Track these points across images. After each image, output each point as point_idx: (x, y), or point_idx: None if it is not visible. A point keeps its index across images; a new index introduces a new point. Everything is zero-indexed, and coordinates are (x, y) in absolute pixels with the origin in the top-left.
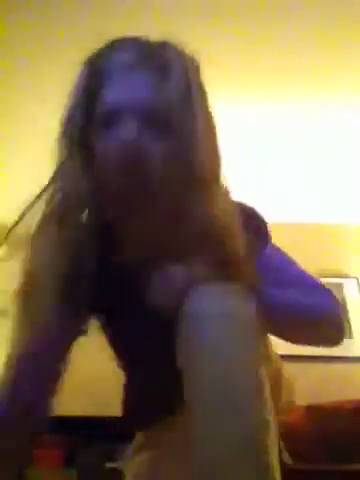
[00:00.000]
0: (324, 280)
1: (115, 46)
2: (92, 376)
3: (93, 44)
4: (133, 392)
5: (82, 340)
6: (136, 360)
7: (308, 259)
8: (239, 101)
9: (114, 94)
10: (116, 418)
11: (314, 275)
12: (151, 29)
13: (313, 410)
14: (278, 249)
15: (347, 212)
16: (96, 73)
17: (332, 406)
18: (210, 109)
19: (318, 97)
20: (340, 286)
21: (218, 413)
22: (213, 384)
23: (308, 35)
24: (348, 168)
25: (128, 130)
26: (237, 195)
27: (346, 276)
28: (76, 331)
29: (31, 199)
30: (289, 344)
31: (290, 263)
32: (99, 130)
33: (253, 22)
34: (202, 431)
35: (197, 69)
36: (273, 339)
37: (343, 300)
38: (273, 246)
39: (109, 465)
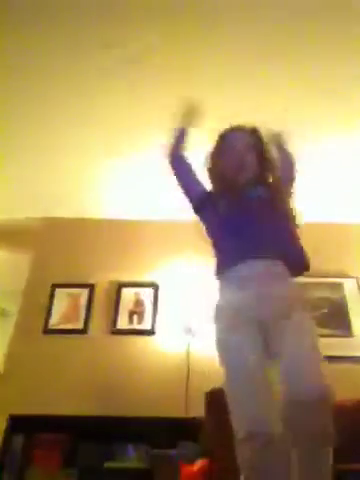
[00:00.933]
0: (324, 280)
1: (228, 128)
2: (92, 376)
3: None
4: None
5: (82, 340)
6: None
7: None
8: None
9: (230, 138)
10: (116, 418)
11: (314, 275)
12: None
13: None
14: None
15: (347, 212)
16: (222, 137)
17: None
18: (267, 149)
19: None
20: (340, 286)
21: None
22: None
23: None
24: (348, 168)
25: (238, 148)
26: None
27: (346, 276)
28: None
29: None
30: None
31: None
32: (223, 152)
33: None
34: None
35: (259, 133)
36: None
37: (343, 299)
38: None
39: (109, 465)
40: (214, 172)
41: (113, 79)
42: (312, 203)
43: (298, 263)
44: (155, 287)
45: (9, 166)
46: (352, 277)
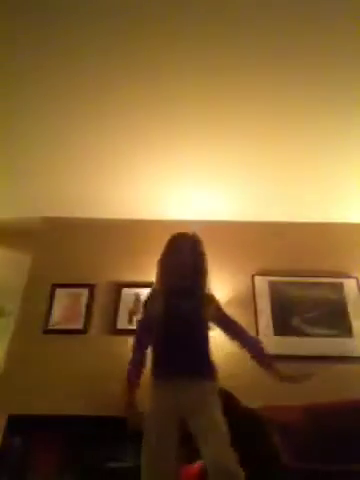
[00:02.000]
0: (324, 280)
1: (175, 237)
2: (92, 376)
3: None
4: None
5: (82, 340)
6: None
7: (308, 259)
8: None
9: (175, 248)
10: (116, 418)
11: (314, 275)
12: None
13: (312, 410)
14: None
15: (347, 212)
16: (170, 241)
17: (331, 406)
18: (206, 267)
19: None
20: (340, 286)
21: None
22: None
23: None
24: (348, 168)
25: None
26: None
27: (346, 276)
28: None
29: None
30: (290, 345)
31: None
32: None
33: None
34: None
35: (201, 243)
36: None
37: (343, 300)
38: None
39: (109, 465)
40: (160, 265)
41: (113, 80)
42: (312, 203)
43: (211, 377)
44: None
45: (10, 167)
46: (352, 277)
